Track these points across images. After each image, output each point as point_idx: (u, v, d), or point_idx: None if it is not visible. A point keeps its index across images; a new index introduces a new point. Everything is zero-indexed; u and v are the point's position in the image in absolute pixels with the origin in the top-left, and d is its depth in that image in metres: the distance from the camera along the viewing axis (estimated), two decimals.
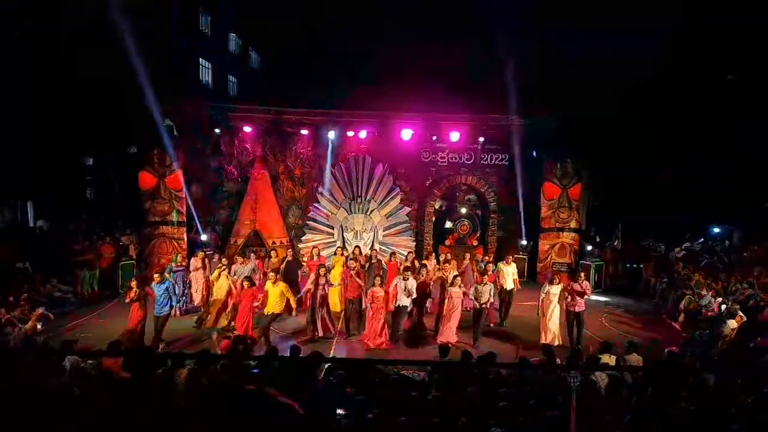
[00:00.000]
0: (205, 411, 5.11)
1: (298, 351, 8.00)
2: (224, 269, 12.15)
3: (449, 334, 11.03)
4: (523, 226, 17.64)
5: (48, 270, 13.58)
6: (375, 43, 22.94)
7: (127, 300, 10.20)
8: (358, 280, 11.73)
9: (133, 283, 10.29)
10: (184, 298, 13.17)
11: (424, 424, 5.26)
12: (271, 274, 11.22)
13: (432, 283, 12.20)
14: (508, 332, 12.20)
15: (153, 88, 15.13)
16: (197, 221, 16.68)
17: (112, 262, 15.24)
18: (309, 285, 11.62)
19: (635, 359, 8.46)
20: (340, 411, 5.21)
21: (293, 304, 11.10)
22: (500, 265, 12.95)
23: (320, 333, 11.36)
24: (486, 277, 11.55)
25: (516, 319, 12.79)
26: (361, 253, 13.78)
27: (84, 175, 22.82)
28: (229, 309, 11.19)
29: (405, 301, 11.06)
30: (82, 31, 17.63)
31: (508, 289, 12.78)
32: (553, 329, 11.25)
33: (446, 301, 11.22)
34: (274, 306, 10.63)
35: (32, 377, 4.88)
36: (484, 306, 11.23)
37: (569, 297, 11.16)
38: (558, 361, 8.57)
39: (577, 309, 11.10)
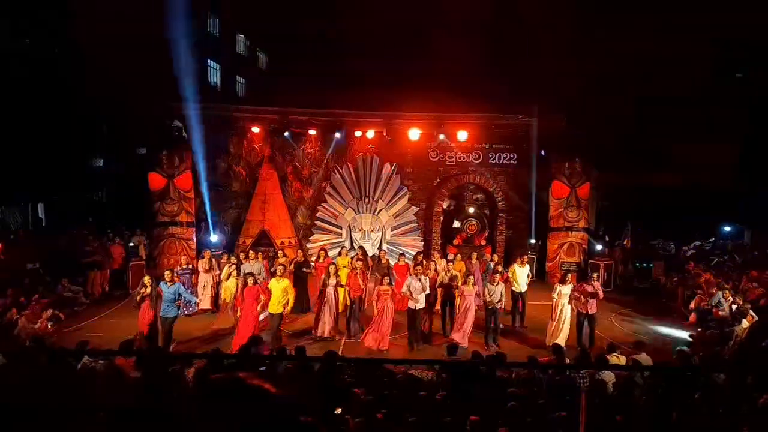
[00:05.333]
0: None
1: (304, 351, 8.04)
2: (233, 268, 12.20)
3: (463, 335, 10.93)
4: (531, 226, 17.57)
5: (59, 271, 13.70)
6: (383, 43, 22.98)
7: (138, 298, 10.10)
8: (360, 281, 11.72)
9: (147, 280, 10.21)
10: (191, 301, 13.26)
11: (432, 424, 5.26)
12: (280, 267, 11.12)
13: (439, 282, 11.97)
14: (523, 332, 12.15)
15: (162, 90, 15.23)
16: (206, 222, 16.76)
17: (122, 263, 15.36)
18: (320, 285, 11.59)
19: (644, 358, 8.40)
20: (338, 410, 5.22)
21: (291, 303, 10.85)
22: (515, 266, 12.66)
23: (324, 333, 11.29)
24: (498, 276, 11.49)
25: (528, 319, 12.66)
26: (365, 254, 13.74)
27: (94, 177, 22.98)
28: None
29: (421, 303, 10.89)
30: (91, 35, 17.79)
31: (523, 291, 12.51)
32: (564, 330, 11.11)
33: (458, 299, 11.13)
34: (277, 305, 10.51)
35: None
36: (497, 306, 11.17)
37: (581, 298, 11.07)
38: (567, 361, 8.55)
39: (589, 311, 11.02)
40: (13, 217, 19.01)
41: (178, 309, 10.48)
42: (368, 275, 12.78)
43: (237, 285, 11.82)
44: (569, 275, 11.80)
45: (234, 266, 12.31)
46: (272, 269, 12.44)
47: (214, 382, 1.53)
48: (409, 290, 10.81)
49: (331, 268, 11.61)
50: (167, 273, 10.63)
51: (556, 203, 17.02)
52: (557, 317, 11.08)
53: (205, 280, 13.19)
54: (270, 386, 1.37)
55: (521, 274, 12.52)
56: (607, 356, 8.19)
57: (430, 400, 5.95)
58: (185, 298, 10.80)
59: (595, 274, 11.82)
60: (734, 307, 11.25)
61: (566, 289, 11.18)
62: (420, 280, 10.90)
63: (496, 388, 6.66)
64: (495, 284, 11.25)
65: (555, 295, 11.16)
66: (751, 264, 15.15)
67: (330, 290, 11.34)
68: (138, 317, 10.15)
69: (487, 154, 17.79)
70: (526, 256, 13.42)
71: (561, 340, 10.73)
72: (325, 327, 11.27)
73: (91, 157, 22.17)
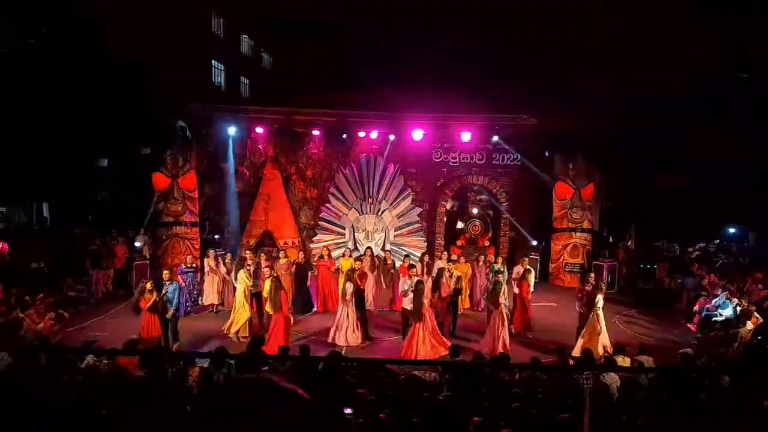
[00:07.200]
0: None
1: (308, 350, 8.06)
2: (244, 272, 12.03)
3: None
4: (535, 227, 17.52)
5: (63, 270, 13.73)
6: (387, 43, 23.00)
7: (145, 308, 9.74)
8: (358, 281, 11.64)
9: (149, 285, 9.95)
10: (193, 299, 13.28)
11: (435, 425, 5.26)
12: (265, 269, 10.96)
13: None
14: (524, 334, 12.02)
15: (166, 90, 15.27)
16: (210, 222, 16.79)
17: (126, 263, 15.38)
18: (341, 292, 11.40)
19: (645, 360, 8.35)
20: (348, 410, 5.22)
21: (283, 303, 10.35)
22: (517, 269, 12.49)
23: (350, 343, 10.92)
24: (500, 276, 11.42)
25: (532, 321, 12.54)
26: (372, 254, 13.73)
27: (98, 176, 23.04)
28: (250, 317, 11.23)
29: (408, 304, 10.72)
30: (94, 34, 17.85)
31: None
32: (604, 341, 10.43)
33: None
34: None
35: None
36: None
37: (584, 299, 10.88)
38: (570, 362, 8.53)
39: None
40: (18, 216, 19.07)
41: (178, 307, 10.42)
42: (367, 276, 12.69)
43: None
44: (602, 284, 11.19)
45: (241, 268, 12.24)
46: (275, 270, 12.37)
47: (240, 381, 1.50)
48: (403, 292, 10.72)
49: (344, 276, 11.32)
50: (165, 273, 10.61)
51: (559, 204, 17.00)
52: (600, 330, 10.41)
53: (211, 278, 13.24)
54: (303, 391, 1.37)
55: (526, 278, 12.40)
56: (614, 358, 8.18)
57: (433, 400, 5.94)
58: (180, 298, 10.58)
59: (592, 275, 11.57)
60: (738, 308, 11.21)
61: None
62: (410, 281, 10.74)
63: (499, 389, 6.65)
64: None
65: (597, 306, 10.47)
66: (756, 265, 15.08)
67: (348, 296, 10.97)
68: (141, 324, 9.81)
69: (491, 154, 17.74)
70: (526, 259, 13.33)
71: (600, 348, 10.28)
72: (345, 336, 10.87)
73: (95, 156, 22.22)
